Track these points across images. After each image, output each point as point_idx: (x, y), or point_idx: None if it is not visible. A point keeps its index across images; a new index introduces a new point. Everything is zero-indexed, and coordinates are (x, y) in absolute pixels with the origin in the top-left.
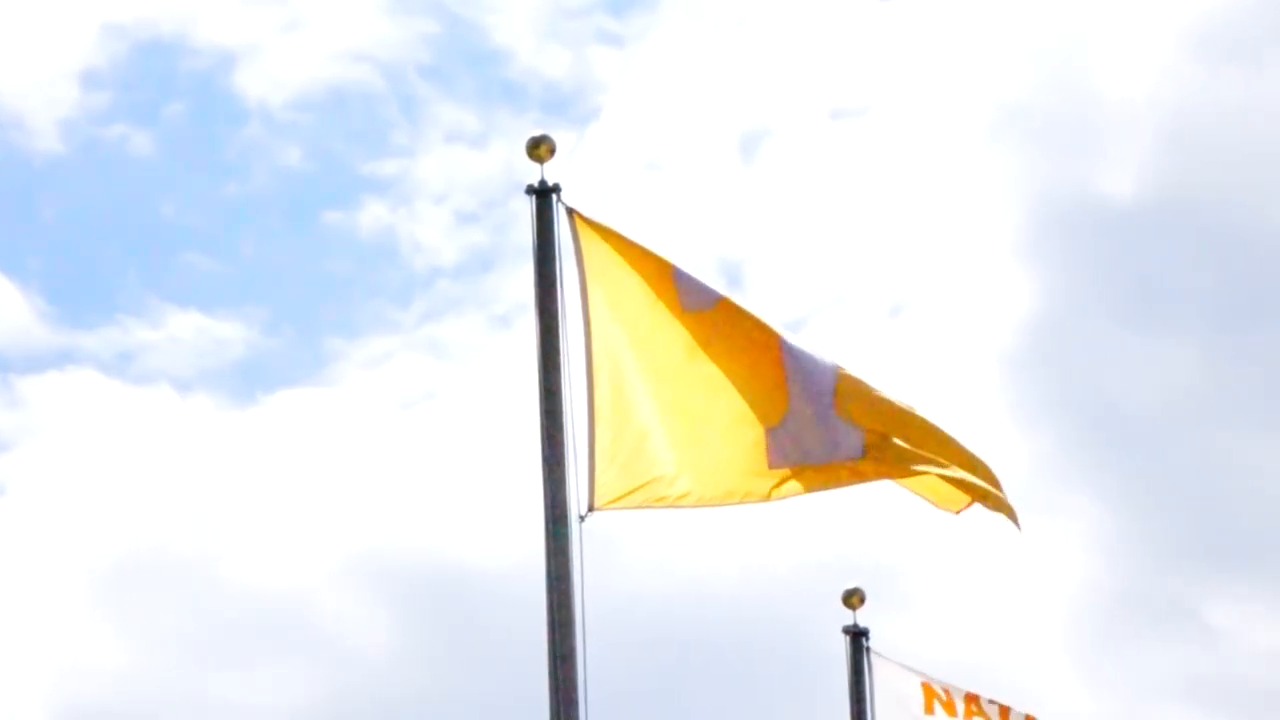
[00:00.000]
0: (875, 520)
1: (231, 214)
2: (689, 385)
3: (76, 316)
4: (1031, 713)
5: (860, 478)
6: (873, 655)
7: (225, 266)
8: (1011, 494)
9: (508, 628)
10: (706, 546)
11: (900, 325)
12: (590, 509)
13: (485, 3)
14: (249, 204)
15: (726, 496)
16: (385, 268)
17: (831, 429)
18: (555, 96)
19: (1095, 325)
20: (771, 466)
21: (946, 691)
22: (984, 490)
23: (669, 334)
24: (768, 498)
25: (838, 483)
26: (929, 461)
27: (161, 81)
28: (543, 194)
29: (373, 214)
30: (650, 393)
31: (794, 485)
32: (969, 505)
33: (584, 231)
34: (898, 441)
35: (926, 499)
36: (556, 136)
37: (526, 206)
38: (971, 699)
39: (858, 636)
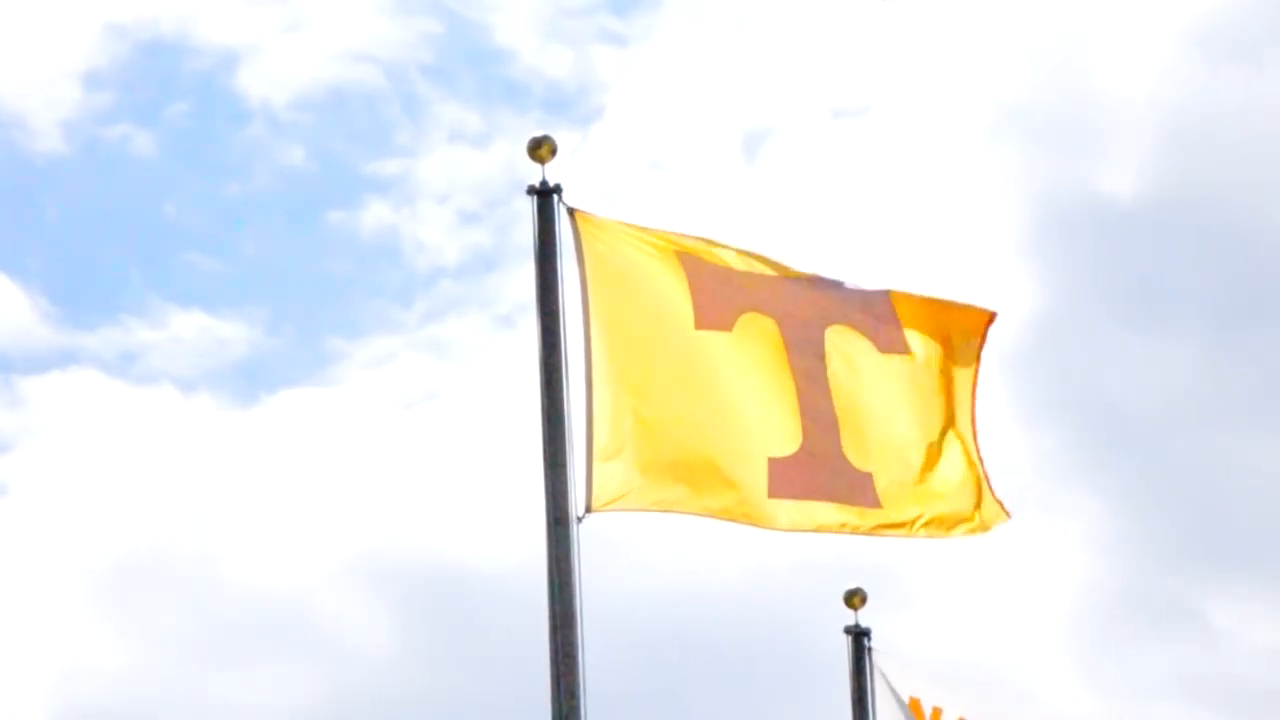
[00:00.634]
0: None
1: (234, 214)
2: (694, 394)
3: (79, 316)
4: None
5: (863, 531)
6: (874, 655)
7: (227, 266)
8: (1011, 493)
9: (508, 628)
10: (708, 546)
11: None
12: (587, 510)
13: (487, 2)
14: (251, 204)
15: (722, 512)
16: (387, 268)
17: (840, 466)
18: (558, 96)
19: (1096, 325)
20: (770, 495)
21: (936, 711)
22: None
23: (674, 338)
24: (761, 524)
25: (837, 528)
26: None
27: (164, 81)
28: (544, 194)
29: (375, 214)
30: (652, 395)
31: (792, 521)
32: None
33: (586, 232)
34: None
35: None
36: (559, 136)
37: (528, 206)
38: None
39: (859, 636)
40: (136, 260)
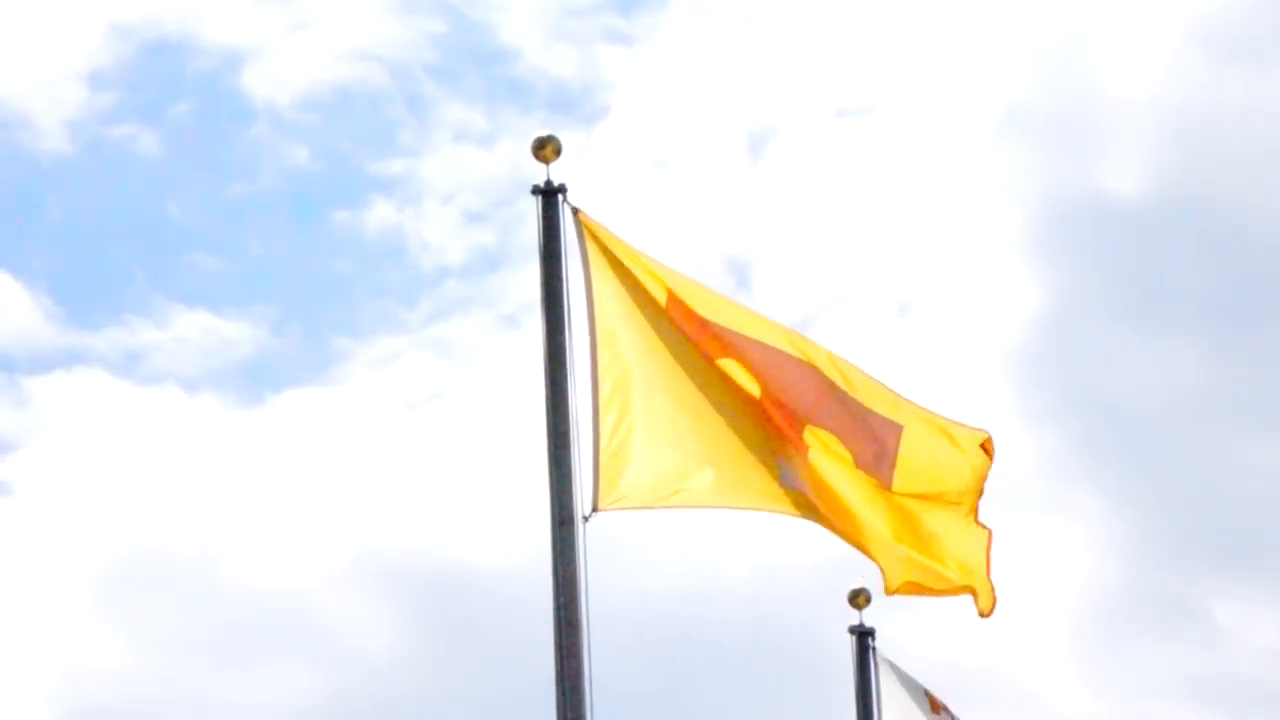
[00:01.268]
0: None
1: (238, 214)
2: (700, 389)
3: (83, 317)
4: None
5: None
6: (878, 655)
7: (232, 266)
8: (1014, 492)
9: (512, 628)
10: (713, 546)
11: (907, 324)
12: (594, 509)
13: (492, 2)
14: (256, 204)
15: (732, 500)
16: (392, 267)
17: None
18: (563, 95)
19: (1099, 324)
20: (783, 485)
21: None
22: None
23: (679, 337)
24: (772, 509)
25: (841, 532)
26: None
27: (168, 81)
28: (548, 194)
29: (380, 214)
30: (657, 392)
31: (801, 507)
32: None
33: (590, 231)
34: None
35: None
36: (564, 135)
37: (533, 206)
38: None
39: (864, 636)
40: (141, 260)
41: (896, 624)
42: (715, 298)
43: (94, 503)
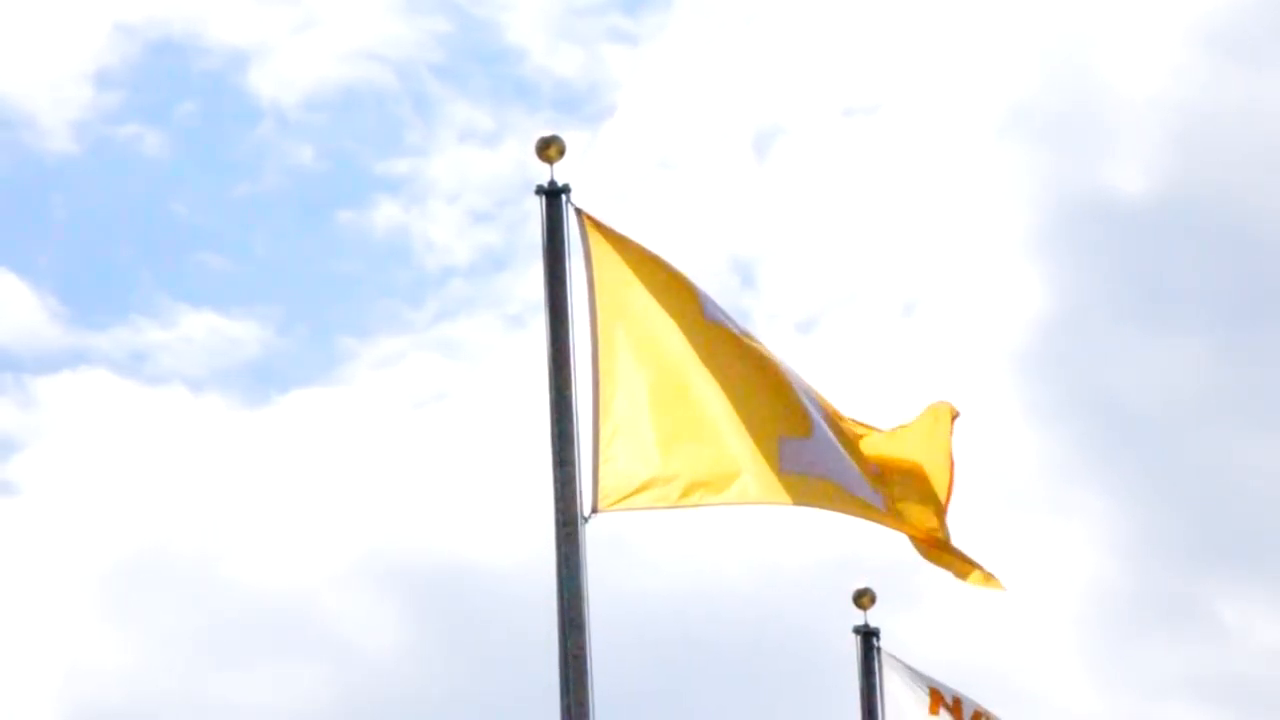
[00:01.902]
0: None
1: (244, 213)
2: (702, 388)
3: (89, 316)
4: None
5: (875, 519)
6: (883, 655)
7: (238, 266)
8: (1019, 492)
9: (516, 628)
10: (717, 546)
11: (912, 323)
12: (594, 510)
13: (498, 1)
14: (262, 203)
15: (730, 495)
16: (398, 267)
17: (851, 470)
18: (568, 95)
19: (1105, 323)
20: (782, 471)
21: (956, 701)
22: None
23: (682, 336)
24: (773, 500)
25: (849, 509)
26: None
27: (174, 81)
28: (552, 194)
29: (386, 213)
30: (659, 394)
31: (802, 493)
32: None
33: (593, 232)
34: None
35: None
36: (569, 135)
37: (538, 207)
38: (979, 715)
39: (868, 636)
40: (147, 260)
41: (901, 624)
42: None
43: (99, 502)
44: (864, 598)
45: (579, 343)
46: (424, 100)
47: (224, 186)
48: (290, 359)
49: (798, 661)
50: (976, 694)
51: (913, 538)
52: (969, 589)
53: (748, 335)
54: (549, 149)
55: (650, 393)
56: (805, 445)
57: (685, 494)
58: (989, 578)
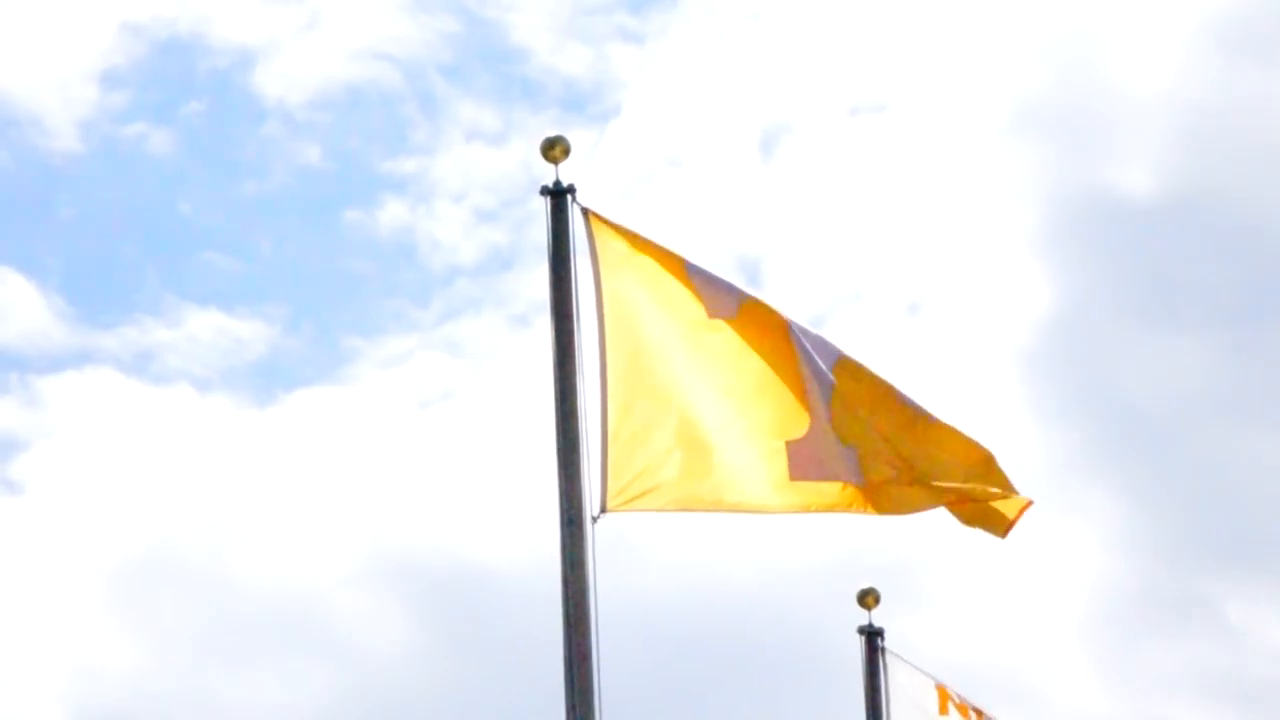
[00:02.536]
0: (889, 519)
1: (250, 213)
2: (708, 389)
3: (95, 316)
4: None
5: (865, 509)
6: (888, 655)
7: (244, 266)
8: (1027, 492)
9: (523, 627)
10: (722, 547)
11: (918, 322)
12: (602, 510)
13: (504, 1)
14: (268, 203)
15: (740, 504)
16: (404, 267)
17: (833, 445)
18: (575, 94)
19: (1112, 322)
20: (793, 478)
21: (961, 700)
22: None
23: (688, 336)
24: (783, 509)
25: (849, 507)
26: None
27: (180, 81)
28: (557, 194)
29: (392, 213)
30: (666, 394)
31: (812, 500)
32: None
33: (599, 231)
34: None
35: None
36: (576, 134)
37: (543, 207)
38: (980, 716)
39: (873, 636)
40: (153, 259)
41: (906, 624)
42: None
43: (105, 502)
44: (868, 598)
45: (584, 343)
46: (430, 100)
47: (230, 186)
48: (296, 358)
49: (802, 661)
50: (982, 693)
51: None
52: (981, 585)
53: (749, 303)
54: (554, 149)
55: (658, 394)
56: (808, 442)
57: (695, 497)
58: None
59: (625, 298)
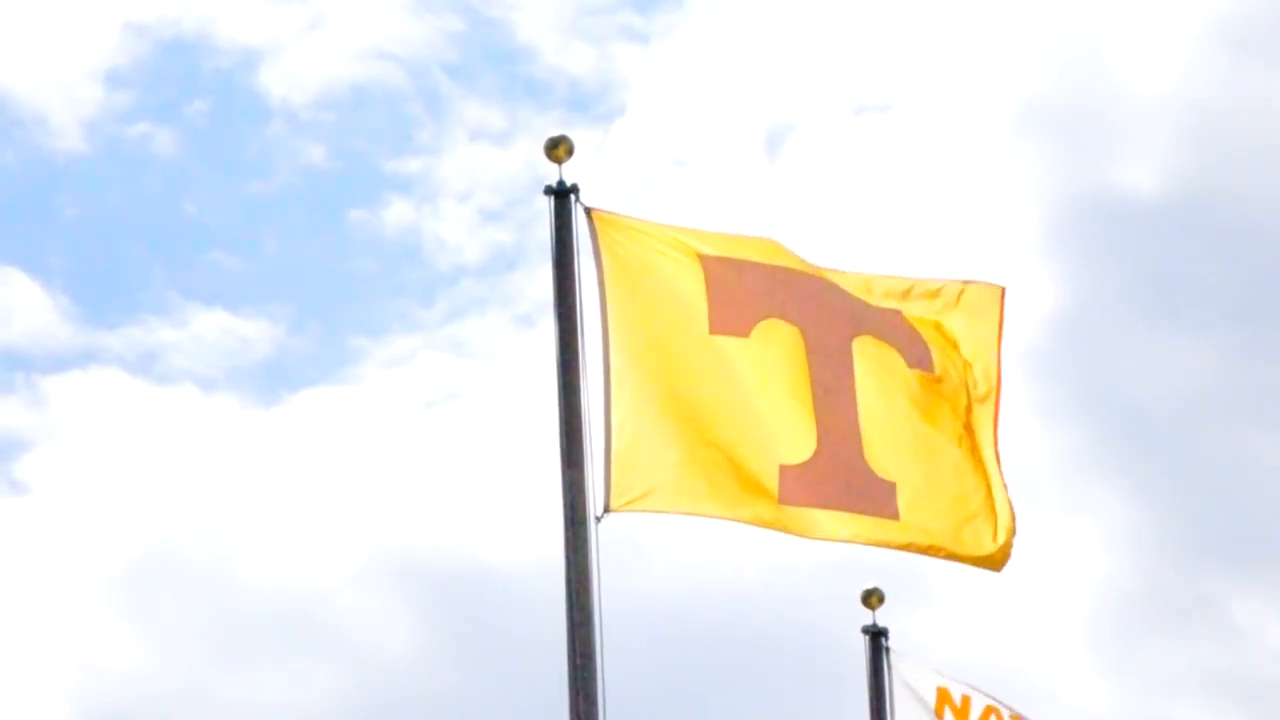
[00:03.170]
0: None
1: (255, 212)
2: (711, 397)
3: (100, 316)
4: None
5: (880, 541)
6: (892, 655)
7: (249, 265)
8: (1031, 491)
9: (527, 627)
10: (726, 547)
11: None
12: (606, 510)
13: (509, 0)
14: (273, 202)
15: (737, 514)
16: (409, 266)
17: (860, 476)
18: (580, 94)
19: (1119, 321)
20: (780, 502)
21: (964, 700)
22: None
23: (690, 341)
24: (769, 527)
25: (846, 536)
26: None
27: (184, 80)
28: (561, 194)
29: (397, 212)
30: (670, 396)
31: (798, 525)
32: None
33: (604, 232)
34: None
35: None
36: (581, 134)
37: (547, 207)
38: (991, 710)
39: (877, 636)
40: (158, 259)
41: (910, 624)
42: (752, 243)
43: (110, 502)
44: (872, 597)
45: (588, 343)
46: (435, 99)
47: (235, 186)
48: (301, 358)
49: (806, 661)
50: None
51: (921, 551)
52: (986, 584)
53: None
54: (557, 149)
55: (661, 395)
56: (805, 471)
57: (695, 502)
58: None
59: (628, 299)
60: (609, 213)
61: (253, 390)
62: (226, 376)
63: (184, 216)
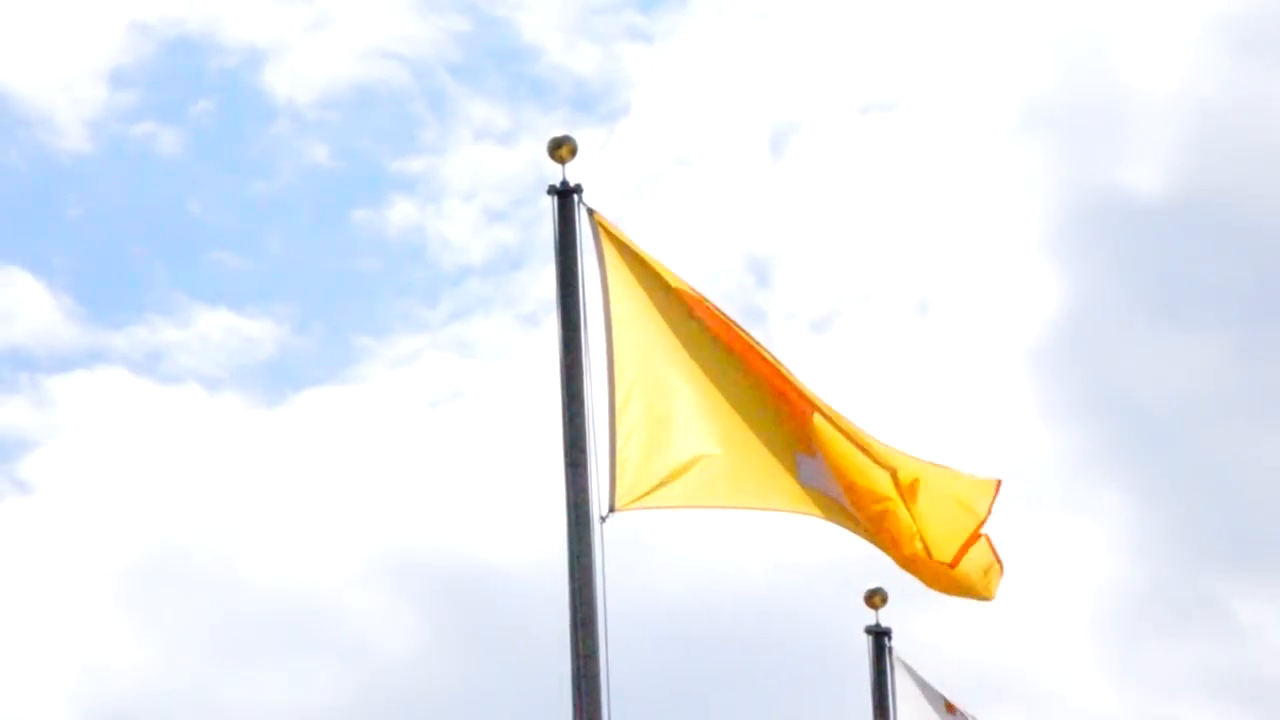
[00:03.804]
0: None
1: (259, 212)
2: (718, 386)
3: (105, 315)
4: None
5: (866, 535)
6: (894, 655)
7: (253, 265)
8: (1035, 490)
9: (531, 627)
10: (729, 547)
11: (927, 322)
12: (610, 509)
13: (514, 0)
14: (277, 202)
15: (748, 501)
16: (413, 266)
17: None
18: (584, 93)
19: (1122, 321)
20: (802, 484)
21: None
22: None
23: (696, 338)
24: (792, 509)
25: (852, 527)
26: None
27: (189, 80)
28: (564, 194)
29: (401, 212)
30: (673, 393)
31: (819, 507)
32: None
33: (605, 231)
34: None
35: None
36: (585, 133)
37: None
38: None
39: (880, 636)
40: (162, 259)
41: (913, 624)
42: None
43: (115, 502)
44: (876, 597)
45: (591, 342)
46: (439, 99)
47: (239, 185)
48: (306, 358)
49: (809, 661)
50: (990, 693)
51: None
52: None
53: (753, 348)
54: (560, 149)
55: (665, 392)
56: (817, 463)
57: (703, 494)
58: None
59: (631, 297)
60: (609, 223)
61: (257, 390)
62: (231, 376)
63: (188, 216)
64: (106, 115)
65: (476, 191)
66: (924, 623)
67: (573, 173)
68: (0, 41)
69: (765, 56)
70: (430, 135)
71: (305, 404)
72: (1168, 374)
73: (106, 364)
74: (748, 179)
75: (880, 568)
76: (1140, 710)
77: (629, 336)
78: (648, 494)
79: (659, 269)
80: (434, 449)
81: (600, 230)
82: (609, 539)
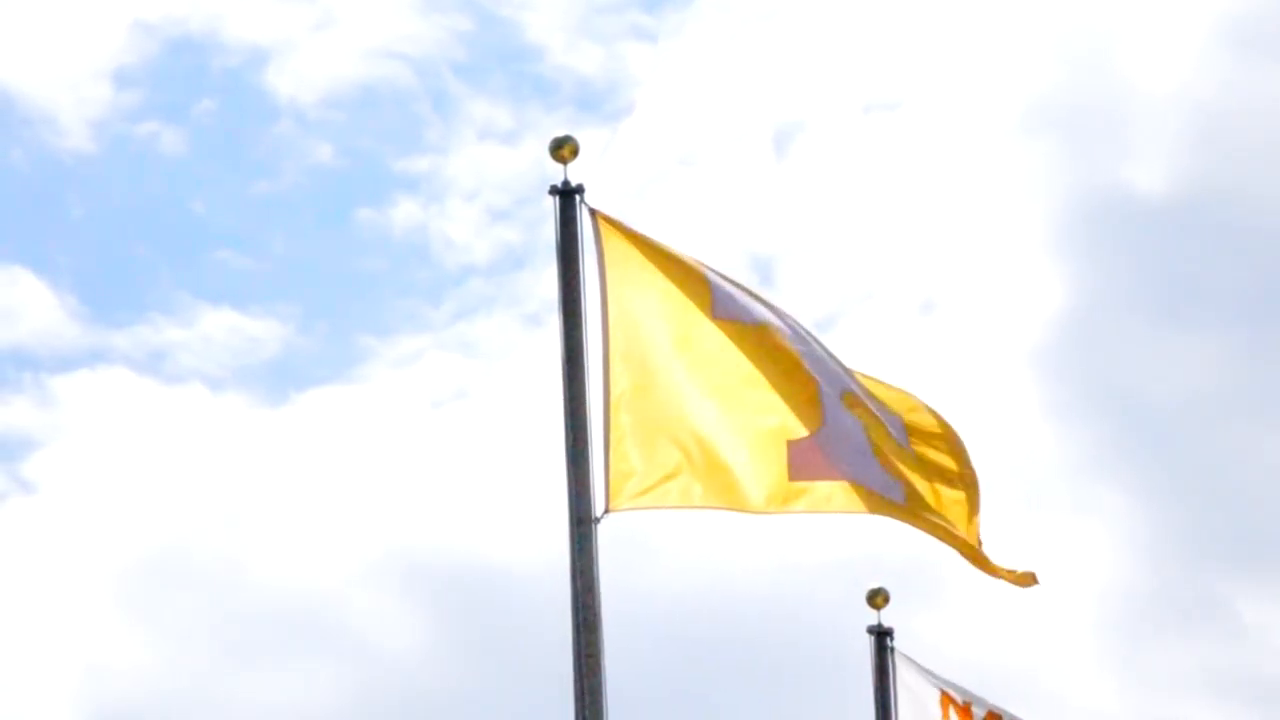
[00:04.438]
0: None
1: (263, 212)
2: (712, 389)
3: (108, 315)
4: None
5: (890, 513)
6: (897, 655)
7: (257, 264)
8: (1039, 490)
9: (533, 626)
10: (731, 546)
11: (931, 321)
12: (606, 510)
13: None
14: (281, 202)
15: (742, 503)
16: (417, 266)
17: (866, 455)
18: (588, 93)
19: (1126, 321)
20: (792, 479)
21: (966, 704)
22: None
23: (695, 338)
24: (783, 509)
25: (860, 507)
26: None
27: (192, 79)
28: (566, 194)
29: (405, 211)
30: (668, 394)
31: (807, 502)
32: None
33: (607, 232)
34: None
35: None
36: (589, 133)
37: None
38: (993, 716)
39: (882, 636)
40: (166, 258)
41: (915, 624)
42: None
43: (118, 501)
44: (878, 597)
45: (593, 343)
46: (443, 98)
47: (243, 185)
48: (309, 357)
49: (811, 661)
50: (993, 693)
51: (931, 533)
52: (993, 584)
53: (762, 325)
54: (563, 149)
55: (660, 394)
56: (814, 443)
57: (697, 495)
58: (1019, 576)
59: (629, 298)
60: (612, 219)
61: (261, 389)
62: (234, 376)
63: (192, 216)
64: (110, 115)
65: (480, 191)
66: (926, 622)
67: (576, 173)
68: (4, 41)
69: (769, 56)
70: (434, 135)
71: (308, 404)
72: (1171, 373)
73: (110, 363)
74: (751, 179)
75: (883, 567)
76: (1143, 710)
77: (624, 337)
78: (642, 494)
79: (666, 256)
80: (437, 449)
81: (601, 230)
82: (609, 539)
